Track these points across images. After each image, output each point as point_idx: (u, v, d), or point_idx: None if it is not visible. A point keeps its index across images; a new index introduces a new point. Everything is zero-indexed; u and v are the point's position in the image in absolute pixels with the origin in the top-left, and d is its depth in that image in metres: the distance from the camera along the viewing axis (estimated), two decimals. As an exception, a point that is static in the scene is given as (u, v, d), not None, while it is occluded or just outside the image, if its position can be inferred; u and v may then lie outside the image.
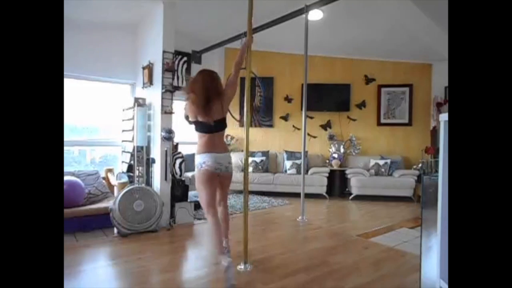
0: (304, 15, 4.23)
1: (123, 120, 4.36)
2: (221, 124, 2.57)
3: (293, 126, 6.61)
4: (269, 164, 6.31)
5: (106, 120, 5.02)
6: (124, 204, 3.44)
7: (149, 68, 4.17)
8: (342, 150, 6.33)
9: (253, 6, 2.77)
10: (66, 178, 3.68)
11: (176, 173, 4.18)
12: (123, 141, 4.41)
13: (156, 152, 3.97)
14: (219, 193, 2.62)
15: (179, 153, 4.39)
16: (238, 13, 3.49)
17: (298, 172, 5.80)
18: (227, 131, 6.66)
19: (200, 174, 2.50)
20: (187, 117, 2.62)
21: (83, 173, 4.14)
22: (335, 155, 6.24)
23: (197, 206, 4.55)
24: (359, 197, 5.74)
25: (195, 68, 6.18)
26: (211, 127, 2.51)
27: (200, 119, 2.49)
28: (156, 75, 4.05)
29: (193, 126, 2.59)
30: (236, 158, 6.22)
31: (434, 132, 6.03)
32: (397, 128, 6.48)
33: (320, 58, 6.44)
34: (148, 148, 4.01)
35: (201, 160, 2.51)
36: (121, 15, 4.42)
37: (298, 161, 5.99)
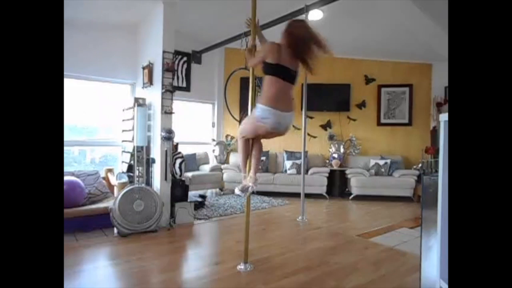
0: (304, 15, 4.23)
1: (123, 120, 4.36)
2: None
3: (293, 126, 6.59)
4: (269, 164, 6.31)
5: (106, 120, 5.02)
6: (124, 204, 3.44)
7: (149, 68, 4.17)
8: (342, 150, 6.33)
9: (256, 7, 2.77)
10: (66, 178, 3.68)
11: (176, 173, 4.18)
12: (123, 141, 4.41)
13: (156, 152, 3.97)
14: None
15: (179, 153, 4.39)
16: (239, 13, 3.49)
17: (298, 172, 5.80)
18: (228, 131, 6.69)
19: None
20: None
21: (83, 173, 4.14)
22: (335, 155, 6.24)
23: (197, 206, 4.55)
24: (359, 197, 5.74)
25: (195, 68, 6.21)
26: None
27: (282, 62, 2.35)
28: (156, 75, 4.05)
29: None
30: (236, 159, 6.22)
31: (434, 132, 6.03)
32: (397, 128, 6.48)
33: (320, 58, 6.42)
34: (148, 148, 4.01)
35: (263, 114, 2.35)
36: (121, 15, 4.42)
37: (298, 161, 5.99)
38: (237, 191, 2.62)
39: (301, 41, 2.39)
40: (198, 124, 6.65)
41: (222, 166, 6.19)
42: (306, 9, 4.14)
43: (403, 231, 3.87)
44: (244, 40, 3.50)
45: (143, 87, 4.39)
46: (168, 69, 3.90)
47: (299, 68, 2.51)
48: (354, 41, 5.76)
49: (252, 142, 2.67)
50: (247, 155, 2.69)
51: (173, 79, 4.02)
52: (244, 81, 6.53)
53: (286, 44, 2.40)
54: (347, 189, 6.09)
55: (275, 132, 2.49)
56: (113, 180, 4.34)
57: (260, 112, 2.37)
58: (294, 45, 2.39)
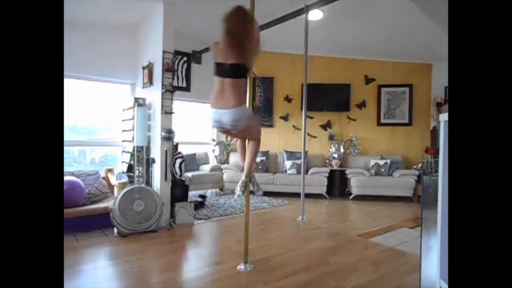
0: (304, 15, 4.23)
1: (123, 120, 4.36)
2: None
3: (293, 126, 6.61)
4: (269, 164, 6.31)
5: (106, 120, 5.02)
6: (124, 204, 3.44)
7: (149, 68, 4.17)
8: (342, 150, 6.33)
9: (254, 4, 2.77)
10: (66, 178, 3.68)
11: (176, 173, 4.18)
12: (123, 141, 4.41)
13: (156, 152, 3.97)
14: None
15: (179, 153, 4.39)
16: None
17: (298, 172, 5.80)
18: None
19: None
20: None
21: (83, 173, 4.14)
22: (335, 155, 6.24)
23: (197, 206, 4.55)
24: (359, 197, 5.74)
25: (195, 68, 6.20)
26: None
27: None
28: (156, 75, 4.05)
29: None
30: (236, 159, 6.23)
31: (434, 132, 6.03)
32: (397, 128, 6.48)
33: (320, 58, 6.44)
34: (148, 148, 4.01)
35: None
36: (121, 15, 4.42)
37: (298, 161, 5.99)
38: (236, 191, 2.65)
39: (233, 38, 2.31)
40: (198, 124, 6.65)
41: (222, 166, 6.19)
42: (306, 9, 4.14)
43: (403, 231, 3.87)
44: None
45: (143, 87, 4.39)
46: (168, 69, 3.90)
47: (245, 59, 2.34)
48: (354, 41, 5.76)
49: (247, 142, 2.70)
50: (241, 155, 2.74)
51: (173, 79, 4.02)
52: (244, 81, 6.51)
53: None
54: (347, 189, 6.09)
55: (225, 130, 2.49)
56: (113, 180, 4.34)
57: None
58: (227, 42, 2.34)
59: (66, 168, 4.27)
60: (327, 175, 5.92)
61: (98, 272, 2.60)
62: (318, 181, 5.81)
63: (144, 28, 4.51)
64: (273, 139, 6.69)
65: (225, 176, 6.02)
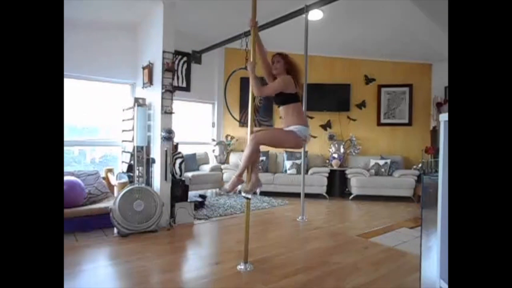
0: (304, 15, 4.23)
1: (123, 120, 4.36)
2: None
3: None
4: (269, 164, 6.31)
5: (106, 120, 5.02)
6: (124, 204, 3.44)
7: (149, 68, 4.17)
8: (342, 150, 6.33)
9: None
10: (66, 178, 3.68)
11: (176, 173, 4.18)
12: (123, 141, 4.41)
13: (156, 152, 3.97)
14: None
15: (179, 153, 4.39)
16: (238, 13, 3.49)
17: (298, 172, 5.80)
18: (228, 131, 6.69)
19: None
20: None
21: (83, 173, 4.14)
22: (335, 155, 6.24)
23: (197, 206, 4.55)
24: (359, 197, 5.74)
25: (195, 68, 6.21)
26: None
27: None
28: (156, 75, 4.05)
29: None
30: (236, 158, 6.23)
31: (434, 132, 6.03)
32: (397, 128, 6.49)
33: (320, 58, 6.44)
34: (148, 148, 4.00)
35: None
36: (121, 15, 4.42)
37: (298, 161, 5.99)
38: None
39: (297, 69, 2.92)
40: (198, 124, 6.65)
41: (222, 166, 6.19)
42: (306, 9, 4.14)
43: (403, 231, 3.87)
44: (244, 40, 3.50)
45: (143, 87, 4.39)
46: (168, 69, 3.90)
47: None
48: (354, 41, 5.76)
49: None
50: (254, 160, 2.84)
51: (173, 79, 4.01)
52: (244, 81, 6.53)
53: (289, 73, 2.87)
54: (347, 189, 6.09)
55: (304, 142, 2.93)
56: (113, 180, 4.33)
57: (300, 130, 2.72)
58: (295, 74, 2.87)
59: (66, 168, 4.27)
60: (327, 175, 5.92)
61: (98, 272, 2.60)
62: (318, 181, 5.81)
63: (144, 28, 4.51)
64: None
65: (225, 176, 6.02)
